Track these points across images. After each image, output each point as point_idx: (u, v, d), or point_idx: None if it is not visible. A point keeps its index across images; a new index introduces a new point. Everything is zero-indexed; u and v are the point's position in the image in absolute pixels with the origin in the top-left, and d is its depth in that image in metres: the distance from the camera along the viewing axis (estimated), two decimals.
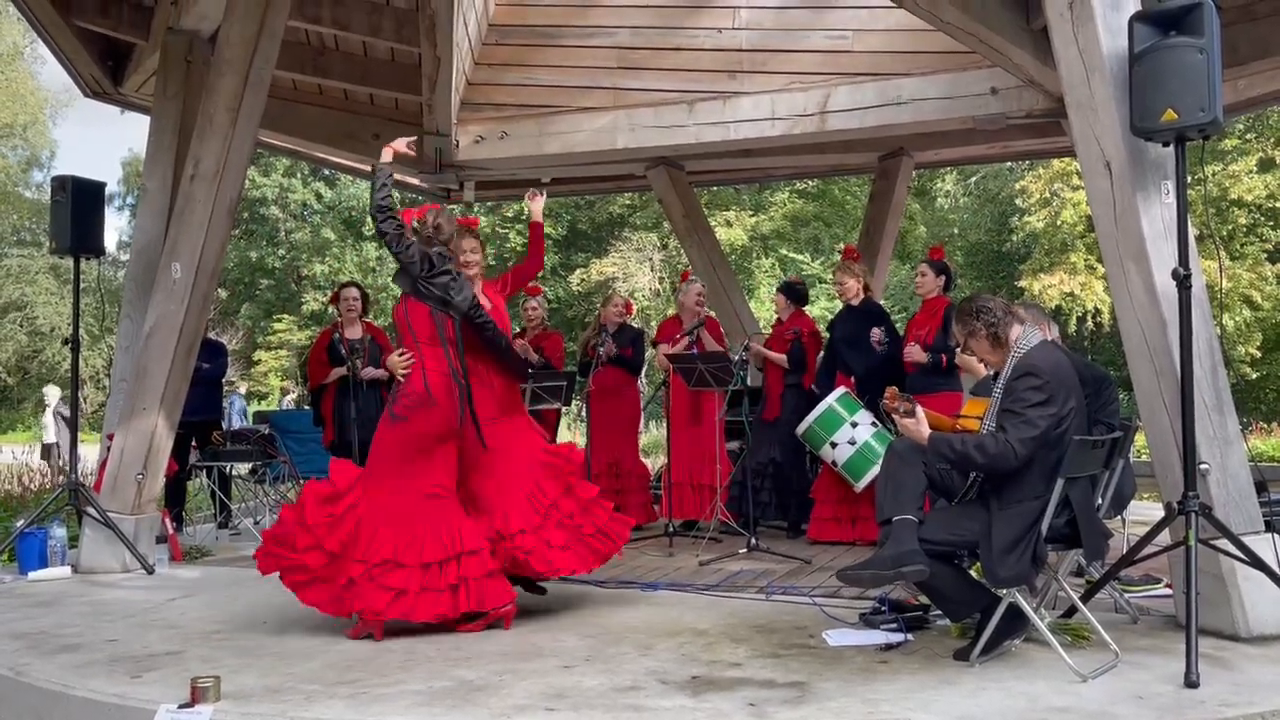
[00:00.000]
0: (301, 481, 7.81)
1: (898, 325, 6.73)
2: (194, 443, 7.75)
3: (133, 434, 5.98)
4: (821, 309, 19.95)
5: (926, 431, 3.68)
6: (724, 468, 6.70)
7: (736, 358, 6.32)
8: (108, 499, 5.97)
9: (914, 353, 6.03)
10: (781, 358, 6.78)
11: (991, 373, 3.92)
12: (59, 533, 5.95)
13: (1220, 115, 3.70)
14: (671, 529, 6.64)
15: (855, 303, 6.54)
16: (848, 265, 6.66)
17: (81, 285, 6.51)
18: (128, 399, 6.11)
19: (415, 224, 4.45)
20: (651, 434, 17.02)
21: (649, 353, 8.41)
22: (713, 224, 16.34)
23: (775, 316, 7.27)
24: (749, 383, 7.18)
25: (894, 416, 3.85)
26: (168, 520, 6.42)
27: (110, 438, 6.26)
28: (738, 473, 6.72)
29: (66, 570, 5.85)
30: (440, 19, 6.86)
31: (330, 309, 9.43)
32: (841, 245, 14.76)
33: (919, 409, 3.74)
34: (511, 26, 8.01)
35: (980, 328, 3.76)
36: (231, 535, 7.64)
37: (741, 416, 6.69)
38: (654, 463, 9.46)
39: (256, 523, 7.58)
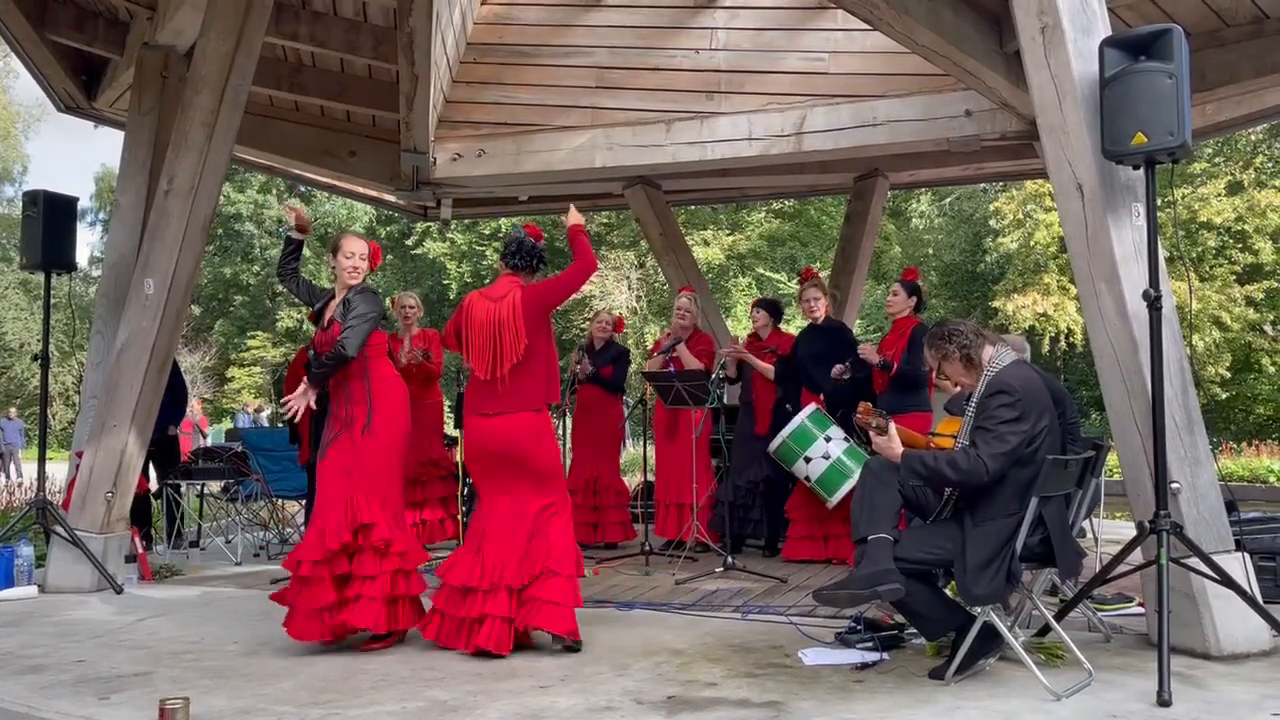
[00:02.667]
0: (275, 500, 7.74)
1: (871, 344, 6.76)
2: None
3: (102, 451, 5.91)
4: (798, 327, 20.02)
5: (899, 449, 3.69)
6: (702, 485, 6.69)
7: (715, 375, 6.33)
8: (76, 517, 5.89)
9: (868, 352, 6.09)
10: (769, 367, 6.79)
11: (965, 394, 3.94)
12: (26, 551, 5.85)
13: (1189, 139, 3.76)
14: (648, 548, 6.62)
15: (820, 320, 6.60)
16: (817, 282, 6.73)
17: (52, 301, 6.43)
18: (98, 416, 6.04)
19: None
20: (629, 452, 16.98)
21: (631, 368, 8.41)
22: (690, 243, 16.38)
23: (752, 332, 7.24)
24: (726, 401, 7.18)
25: (867, 431, 3.87)
26: (137, 539, 6.33)
27: (79, 455, 6.18)
28: (723, 491, 6.70)
29: (33, 590, 5.75)
30: (418, 37, 6.86)
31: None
32: (802, 265, 14.86)
33: (892, 425, 3.76)
34: (490, 45, 8.03)
35: (953, 350, 3.79)
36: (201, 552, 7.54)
37: (721, 434, 6.69)
38: (631, 481, 9.45)
39: (228, 541, 7.48)
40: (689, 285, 8.50)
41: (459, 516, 7.38)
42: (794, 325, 19.34)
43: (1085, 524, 5.80)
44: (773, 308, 7.22)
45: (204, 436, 17.20)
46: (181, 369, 7.88)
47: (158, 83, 6.72)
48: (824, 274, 9.09)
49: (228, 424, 24.41)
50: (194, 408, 22.00)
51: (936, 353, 3.86)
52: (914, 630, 4.05)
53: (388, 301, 7.98)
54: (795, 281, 7.98)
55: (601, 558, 6.67)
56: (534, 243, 4.50)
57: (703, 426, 6.73)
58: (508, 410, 4.29)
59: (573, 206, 4.68)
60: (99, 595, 5.70)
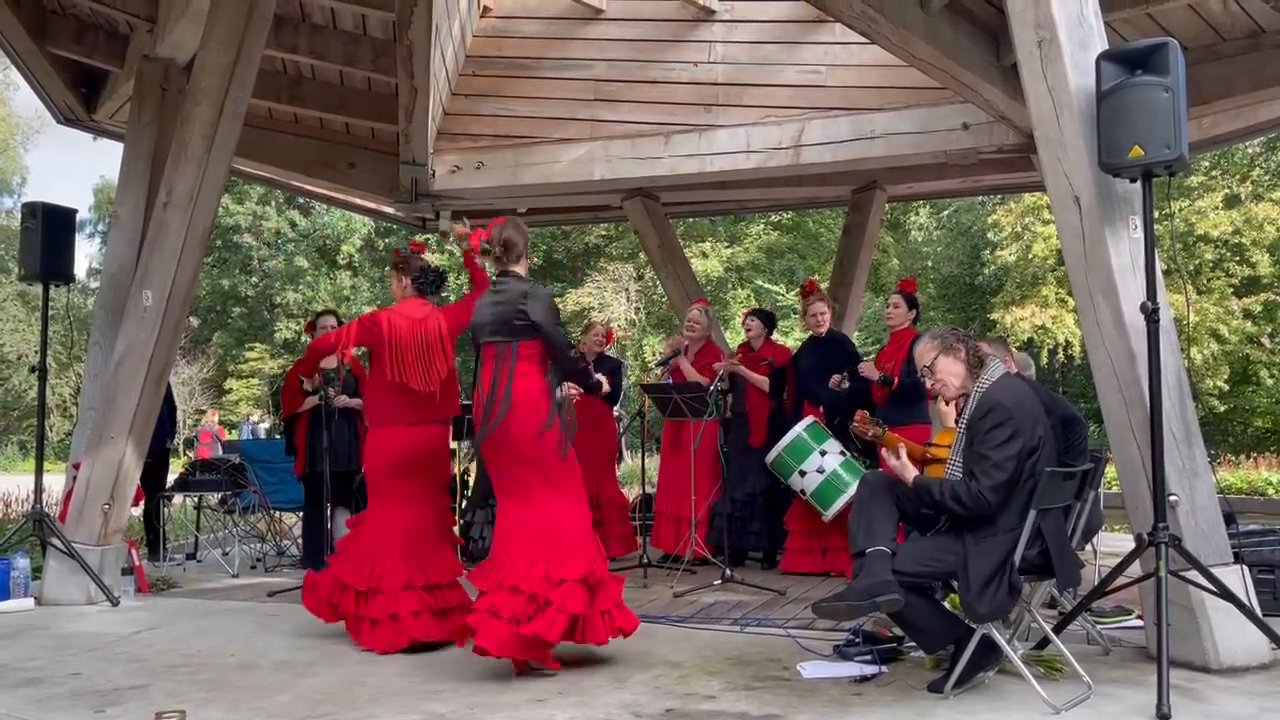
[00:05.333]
0: (272, 512, 7.72)
1: (868, 356, 6.77)
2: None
3: (100, 463, 5.90)
4: (796, 339, 20.04)
5: (912, 475, 3.68)
6: (703, 497, 6.67)
7: (713, 387, 6.33)
8: (73, 529, 5.87)
9: (867, 369, 6.10)
10: (763, 379, 6.80)
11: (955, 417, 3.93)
12: (22, 563, 5.83)
13: (1186, 152, 3.77)
14: (646, 561, 6.61)
15: (822, 333, 6.60)
16: (822, 295, 6.74)
17: (50, 312, 6.43)
18: (95, 428, 6.03)
19: (483, 244, 4.43)
20: (626, 464, 16.97)
21: (626, 383, 8.41)
22: (688, 255, 16.38)
23: (744, 343, 7.23)
24: (725, 413, 7.17)
25: (873, 444, 3.86)
26: (134, 551, 6.32)
27: (76, 467, 6.16)
28: (721, 503, 6.69)
29: (29, 602, 5.73)
30: (417, 49, 6.89)
31: (305, 338, 9.34)
32: (803, 279, 14.79)
33: (902, 448, 3.75)
34: (489, 58, 8.06)
35: (961, 349, 3.78)
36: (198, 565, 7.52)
37: (722, 446, 6.69)
38: (630, 493, 9.44)
39: (225, 553, 7.47)
40: (704, 298, 8.52)
41: (454, 528, 7.37)
42: (792, 338, 19.37)
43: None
44: (767, 318, 7.22)
45: (222, 447, 17.22)
46: (174, 385, 7.84)
47: (157, 95, 6.74)
48: (822, 286, 9.11)
49: (233, 435, 24.40)
50: (211, 418, 22.07)
51: (941, 344, 3.81)
52: (912, 643, 4.04)
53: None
54: (796, 294, 7.95)
55: None
56: (437, 266, 5.00)
57: (702, 438, 6.72)
58: (429, 420, 4.71)
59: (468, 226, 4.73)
60: (96, 607, 5.68)
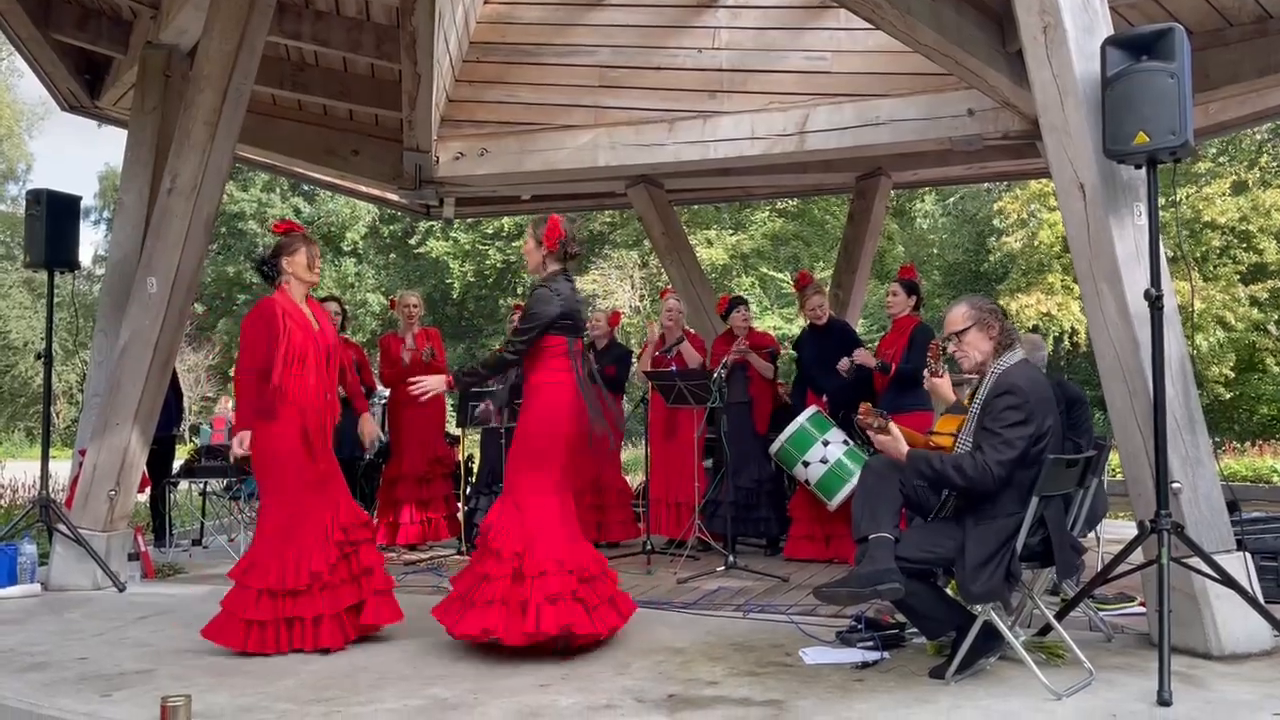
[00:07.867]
0: None
1: (872, 344, 6.77)
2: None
3: (105, 449, 5.92)
4: (799, 327, 20.00)
5: (904, 448, 3.69)
6: (701, 485, 6.70)
7: (717, 374, 6.33)
8: (79, 515, 5.90)
9: (864, 356, 6.09)
10: (769, 365, 6.82)
11: (967, 393, 3.92)
12: (29, 549, 5.87)
13: (1191, 138, 3.76)
14: (650, 547, 6.62)
15: (821, 323, 6.60)
16: (818, 287, 6.75)
17: (55, 299, 6.44)
18: (100, 414, 6.05)
19: (561, 243, 4.34)
20: (629, 450, 17.00)
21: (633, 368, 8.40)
22: (693, 243, 16.33)
23: (727, 329, 7.19)
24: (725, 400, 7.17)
25: (868, 432, 3.86)
26: (140, 537, 6.35)
27: (83, 453, 6.19)
28: (718, 491, 6.70)
29: (36, 587, 5.77)
30: (421, 36, 6.87)
31: None
32: (807, 267, 14.70)
33: (894, 426, 3.75)
34: (492, 44, 8.04)
35: (996, 326, 3.76)
36: (204, 550, 7.55)
37: (719, 433, 6.70)
38: (633, 479, 9.45)
39: (230, 539, 7.50)
40: (667, 289, 8.58)
41: (459, 515, 7.39)
42: (795, 325, 19.28)
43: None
44: (748, 307, 7.24)
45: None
46: (180, 372, 7.84)
47: (161, 81, 6.75)
48: (826, 273, 9.11)
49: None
50: (225, 404, 22.12)
51: (977, 316, 3.77)
52: (915, 629, 4.05)
53: (388, 301, 7.91)
54: (793, 286, 7.91)
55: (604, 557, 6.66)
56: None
57: (703, 427, 6.72)
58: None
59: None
60: (102, 593, 5.72)
